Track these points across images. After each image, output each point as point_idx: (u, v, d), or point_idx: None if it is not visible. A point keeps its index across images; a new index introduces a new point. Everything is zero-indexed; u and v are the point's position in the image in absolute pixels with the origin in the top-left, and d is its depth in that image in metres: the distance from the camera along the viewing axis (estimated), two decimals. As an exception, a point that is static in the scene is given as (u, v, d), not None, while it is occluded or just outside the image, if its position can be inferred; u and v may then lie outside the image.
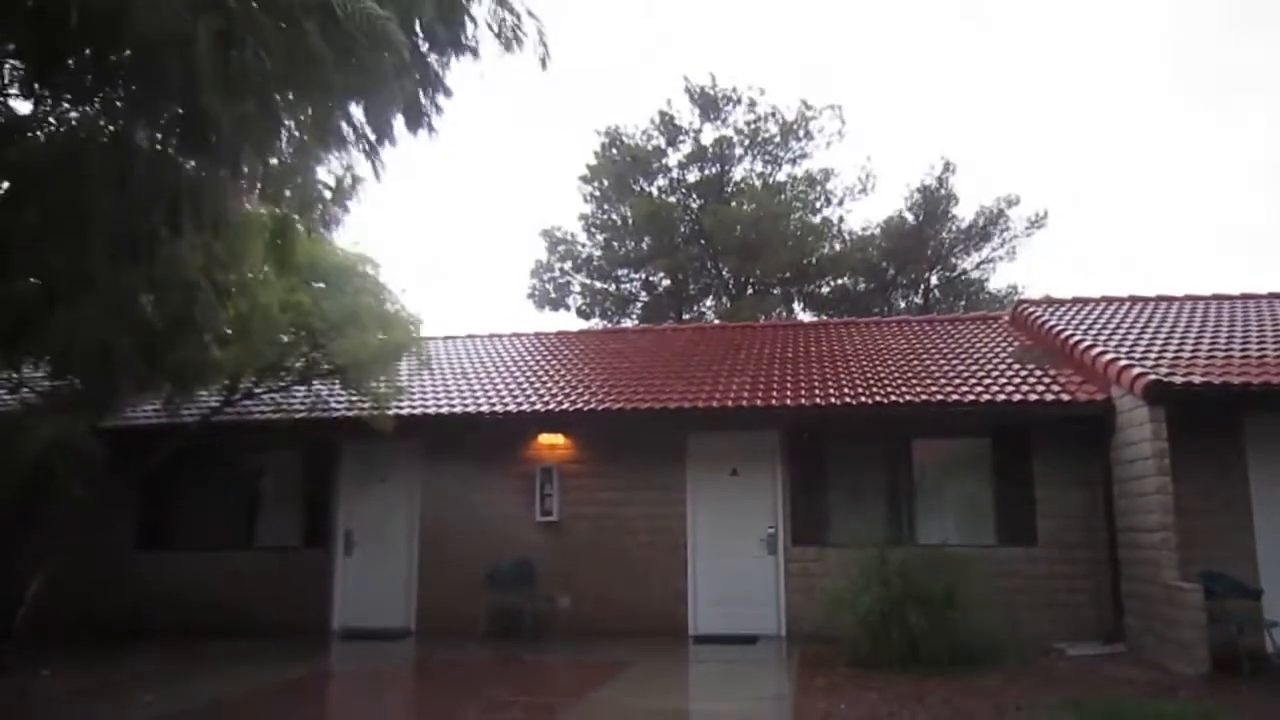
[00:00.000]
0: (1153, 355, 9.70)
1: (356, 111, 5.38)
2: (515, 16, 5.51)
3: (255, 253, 7.75)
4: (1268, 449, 9.56)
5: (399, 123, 5.43)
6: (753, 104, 28.34)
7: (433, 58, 5.50)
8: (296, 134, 5.48)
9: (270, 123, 5.02)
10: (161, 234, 5.52)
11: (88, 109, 5.46)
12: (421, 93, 5.38)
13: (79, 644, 10.04)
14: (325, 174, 6.07)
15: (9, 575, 9.06)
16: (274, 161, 5.64)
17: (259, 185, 6.03)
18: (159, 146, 5.36)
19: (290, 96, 5.00)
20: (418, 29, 5.20)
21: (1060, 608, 9.91)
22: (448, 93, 5.58)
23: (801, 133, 28.51)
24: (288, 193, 5.97)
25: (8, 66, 5.33)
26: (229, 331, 8.37)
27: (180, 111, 4.98)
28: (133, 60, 4.91)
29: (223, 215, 5.77)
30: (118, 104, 5.35)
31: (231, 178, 5.57)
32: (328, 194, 6.19)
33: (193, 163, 5.38)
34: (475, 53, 5.55)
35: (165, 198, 5.25)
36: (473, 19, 5.44)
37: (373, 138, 5.40)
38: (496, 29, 5.49)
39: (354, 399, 10.84)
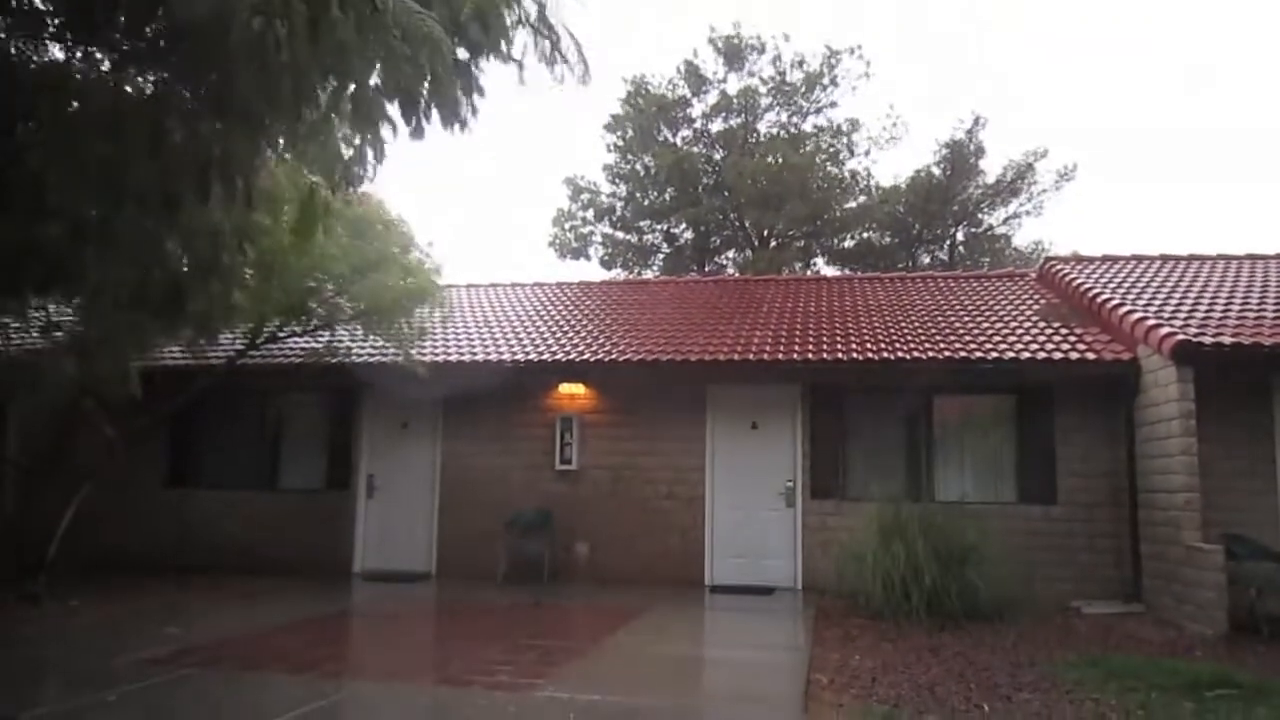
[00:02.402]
0: (1182, 315, 9.57)
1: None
2: (554, 36, 5.61)
3: (282, 216, 7.86)
4: (1297, 412, 9.45)
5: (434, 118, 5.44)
6: (777, 52, 27.91)
7: (469, 59, 5.51)
8: (330, 113, 5.47)
9: (303, 101, 5.00)
10: (189, 198, 5.57)
11: (125, 72, 5.48)
12: (460, 92, 5.39)
13: (108, 577, 10.25)
14: (347, 150, 6.10)
15: (42, 510, 9.26)
16: (302, 132, 5.64)
17: (286, 156, 6.09)
18: (192, 112, 5.38)
19: (327, 81, 4.98)
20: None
21: (1079, 566, 9.91)
22: (482, 93, 5.63)
23: (826, 80, 28.04)
24: (316, 159, 6.00)
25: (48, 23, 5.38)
26: (250, 272, 8.38)
27: (214, 80, 5.00)
28: (171, 31, 4.92)
29: (251, 184, 5.84)
30: (154, 70, 5.38)
31: (261, 148, 5.63)
32: (346, 158, 6.18)
33: (221, 128, 5.39)
34: (520, 64, 5.61)
35: (196, 164, 5.31)
36: (509, 40, 5.45)
37: (408, 129, 5.39)
38: (534, 44, 5.60)
39: (377, 345, 10.93)
